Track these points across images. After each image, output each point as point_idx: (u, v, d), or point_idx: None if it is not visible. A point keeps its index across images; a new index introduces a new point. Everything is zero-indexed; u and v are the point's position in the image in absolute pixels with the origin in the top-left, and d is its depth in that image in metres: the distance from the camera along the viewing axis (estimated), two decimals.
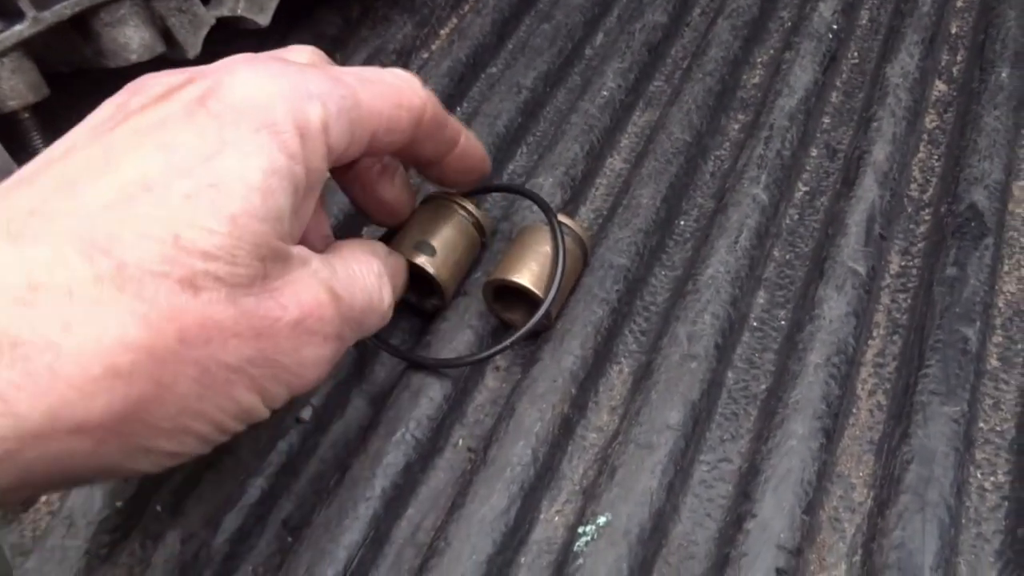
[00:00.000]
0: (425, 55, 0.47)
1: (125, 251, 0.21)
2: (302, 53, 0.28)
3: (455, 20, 0.49)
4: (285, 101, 0.24)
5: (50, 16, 0.31)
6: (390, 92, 0.27)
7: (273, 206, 0.23)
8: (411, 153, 0.30)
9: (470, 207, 0.34)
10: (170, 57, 0.36)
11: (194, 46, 0.36)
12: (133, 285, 0.20)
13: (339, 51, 0.47)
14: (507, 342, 0.31)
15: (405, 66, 0.46)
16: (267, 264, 0.23)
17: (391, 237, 0.33)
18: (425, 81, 0.30)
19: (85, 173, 0.22)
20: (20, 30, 0.31)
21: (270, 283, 0.23)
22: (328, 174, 0.27)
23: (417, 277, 0.32)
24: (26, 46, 0.31)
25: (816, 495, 0.28)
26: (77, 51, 0.34)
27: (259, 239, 0.22)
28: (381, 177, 0.31)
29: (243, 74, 0.24)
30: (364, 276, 0.27)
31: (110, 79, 0.36)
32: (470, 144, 0.31)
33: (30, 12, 0.31)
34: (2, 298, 0.20)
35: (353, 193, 0.32)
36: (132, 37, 0.34)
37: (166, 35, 0.35)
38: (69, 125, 0.25)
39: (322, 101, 0.24)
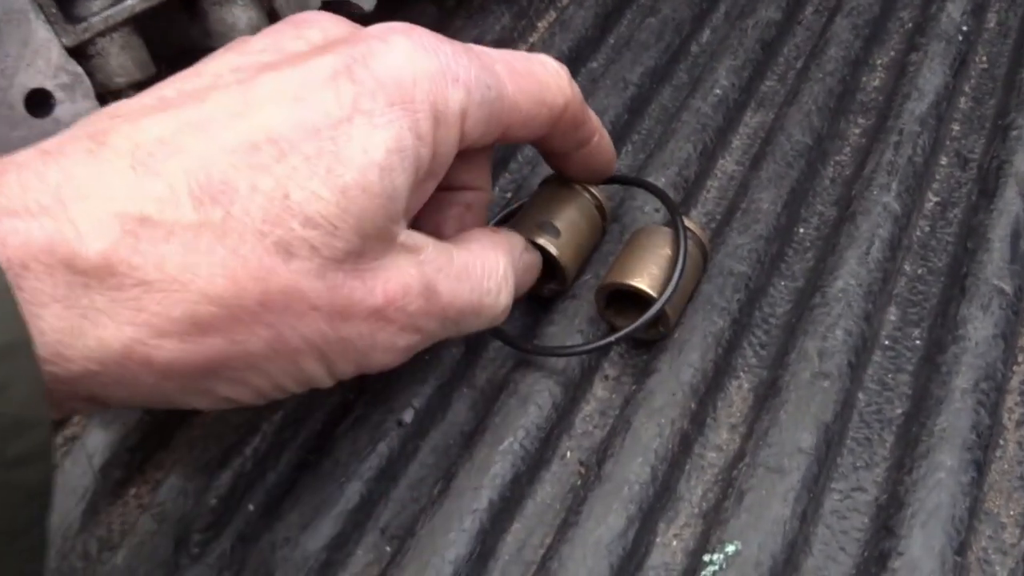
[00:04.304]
0: (524, 48, 0.45)
1: (234, 201, 0.21)
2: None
3: (554, 13, 0.47)
4: (429, 80, 0.23)
5: None
6: (536, 88, 0.26)
7: (389, 184, 0.22)
8: (541, 143, 0.29)
9: (593, 189, 0.32)
10: None
11: None
12: (232, 239, 0.21)
13: None
14: (622, 332, 0.29)
15: None
16: (366, 241, 0.22)
17: (512, 216, 0.32)
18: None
19: (220, 114, 0.22)
20: (131, 4, 0.30)
21: (364, 262, 0.23)
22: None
23: None
24: (135, 22, 0.30)
25: (967, 534, 0.26)
26: (184, 31, 0.33)
27: (365, 214, 0.22)
28: (465, 215, 0.29)
29: (397, 45, 0.23)
30: (482, 275, 0.26)
31: None
32: (602, 145, 0.30)
33: None
34: (113, 225, 0.20)
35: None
36: (240, 17, 0.33)
37: (272, 16, 0.34)
38: None
39: (467, 87, 0.24)
